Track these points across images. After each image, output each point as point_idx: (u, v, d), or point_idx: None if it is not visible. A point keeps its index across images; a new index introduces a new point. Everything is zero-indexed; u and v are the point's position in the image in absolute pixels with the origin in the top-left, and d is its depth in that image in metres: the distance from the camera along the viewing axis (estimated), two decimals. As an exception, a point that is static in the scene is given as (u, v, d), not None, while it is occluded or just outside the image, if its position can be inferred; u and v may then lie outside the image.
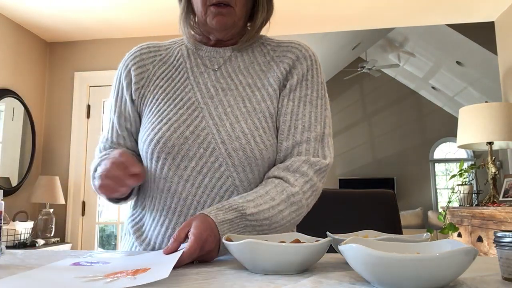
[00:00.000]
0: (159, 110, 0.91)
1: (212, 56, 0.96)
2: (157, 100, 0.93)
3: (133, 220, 0.95)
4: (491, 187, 2.96)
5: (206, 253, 0.71)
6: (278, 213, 0.81)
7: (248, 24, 0.98)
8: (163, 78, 0.95)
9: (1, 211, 0.76)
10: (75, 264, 0.66)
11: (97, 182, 0.83)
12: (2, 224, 0.76)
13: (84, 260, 0.69)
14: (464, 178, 3.16)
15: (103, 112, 3.89)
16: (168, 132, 0.87)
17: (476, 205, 3.07)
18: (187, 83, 0.93)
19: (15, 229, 3.07)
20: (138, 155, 0.96)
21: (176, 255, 0.63)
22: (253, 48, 0.98)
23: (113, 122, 0.98)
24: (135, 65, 0.97)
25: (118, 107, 0.98)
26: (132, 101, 0.96)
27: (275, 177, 0.86)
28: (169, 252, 0.68)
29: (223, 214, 0.75)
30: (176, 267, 0.62)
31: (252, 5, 0.94)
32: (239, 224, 0.76)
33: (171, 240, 0.70)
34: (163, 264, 0.60)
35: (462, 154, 8.53)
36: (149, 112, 0.93)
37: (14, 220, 3.27)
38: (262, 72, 0.94)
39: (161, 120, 0.89)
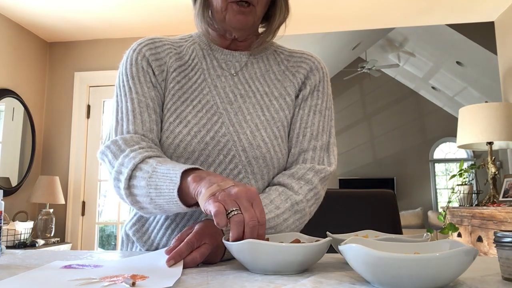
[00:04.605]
0: (176, 109, 0.88)
1: (228, 59, 0.95)
2: (173, 96, 0.89)
3: (133, 223, 0.93)
4: (491, 187, 2.96)
5: (210, 254, 0.71)
6: (283, 221, 0.82)
7: (261, 25, 0.97)
8: (180, 73, 0.92)
9: (1, 211, 0.76)
10: (66, 267, 0.64)
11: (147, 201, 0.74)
12: (2, 224, 0.76)
13: (75, 263, 0.68)
14: (464, 178, 3.16)
15: (103, 112, 3.89)
16: (189, 136, 0.85)
17: (476, 205, 3.07)
18: (204, 85, 0.91)
19: (15, 229, 3.07)
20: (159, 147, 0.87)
21: (178, 270, 0.61)
22: (267, 55, 0.99)
23: (138, 108, 0.86)
24: (152, 55, 0.91)
25: (143, 91, 0.88)
26: (155, 88, 0.90)
27: (279, 184, 0.87)
28: (171, 251, 0.67)
29: None
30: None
31: (268, 6, 0.92)
32: None
33: (173, 240, 0.70)
34: (161, 273, 0.59)
35: (462, 154, 8.53)
36: (165, 109, 0.89)
37: (14, 220, 3.27)
38: (277, 81, 0.96)
39: (180, 122, 0.86)
